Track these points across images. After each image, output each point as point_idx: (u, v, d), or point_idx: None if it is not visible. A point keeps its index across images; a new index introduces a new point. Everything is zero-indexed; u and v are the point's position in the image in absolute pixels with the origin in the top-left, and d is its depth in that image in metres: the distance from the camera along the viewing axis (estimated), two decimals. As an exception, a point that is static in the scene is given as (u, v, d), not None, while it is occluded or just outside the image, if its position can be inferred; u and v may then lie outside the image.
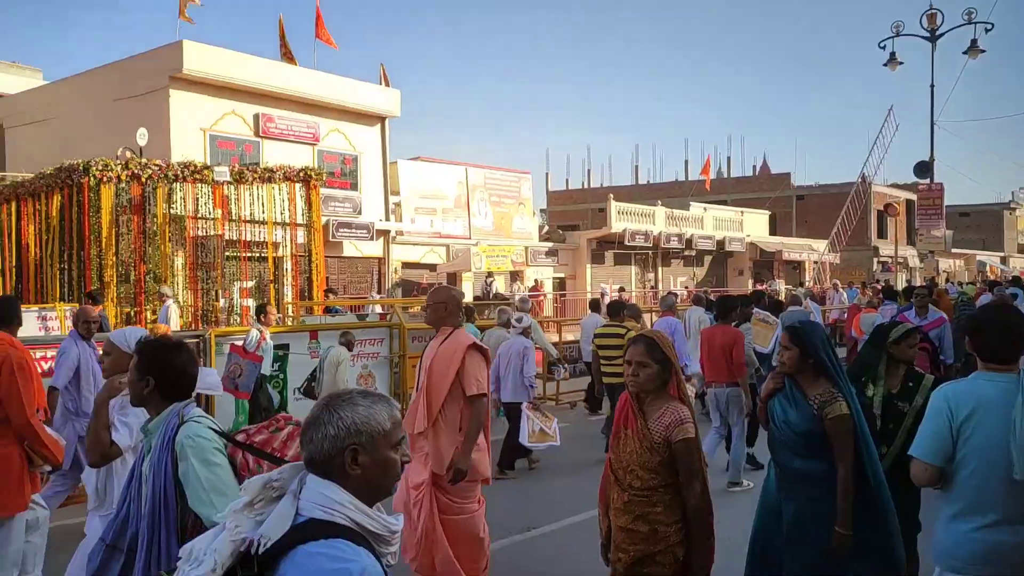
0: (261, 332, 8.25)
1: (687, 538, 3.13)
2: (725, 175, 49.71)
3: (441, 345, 4.38)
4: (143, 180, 14.65)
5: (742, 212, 38.32)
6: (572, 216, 42.55)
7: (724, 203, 40.63)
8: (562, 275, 30.63)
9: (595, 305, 11.94)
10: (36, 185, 15.99)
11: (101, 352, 3.81)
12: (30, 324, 12.57)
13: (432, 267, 26.18)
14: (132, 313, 14.02)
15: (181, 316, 14.35)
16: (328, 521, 1.58)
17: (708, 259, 36.70)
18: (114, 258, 14.29)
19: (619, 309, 8.97)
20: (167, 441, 2.64)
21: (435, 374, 4.32)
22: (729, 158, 57.77)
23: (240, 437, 2.72)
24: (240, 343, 8.25)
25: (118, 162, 14.69)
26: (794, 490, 3.51)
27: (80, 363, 5.90)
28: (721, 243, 35.22)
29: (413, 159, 27.38)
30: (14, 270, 17.15)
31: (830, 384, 3.45)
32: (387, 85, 24.85)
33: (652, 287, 32.56)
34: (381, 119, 24.31)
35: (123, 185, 14.45)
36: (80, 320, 6.12)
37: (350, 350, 8.80)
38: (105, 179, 14.21)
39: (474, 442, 4.25)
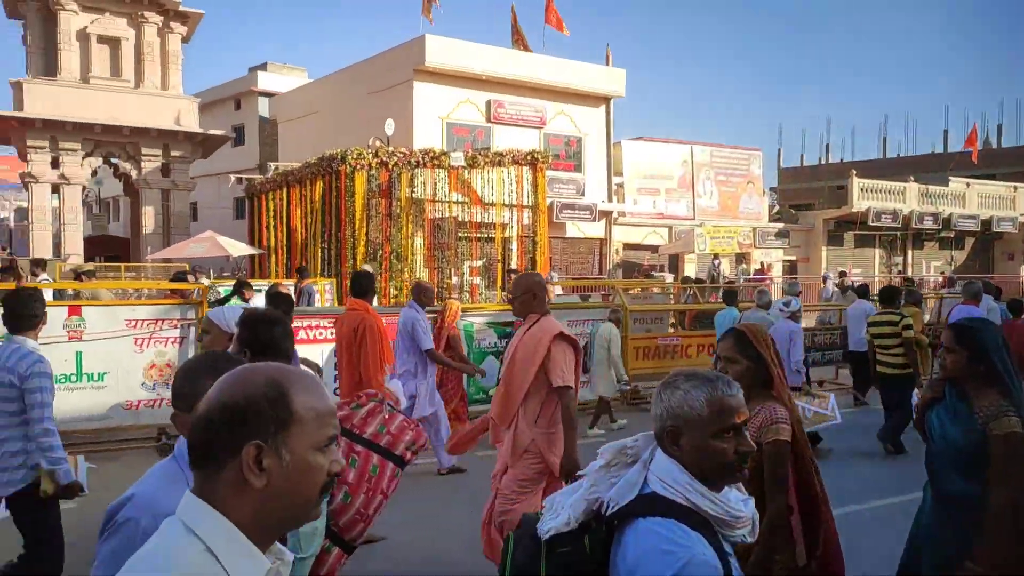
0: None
1: (813, 559, 2.78)
2: (994, 145, 43.55)
3: (526, 333, 4.08)
4: (390, 167, 16.00)
5: (1015, 188, 33.40)
6: (806, 194, 39.67)
7: (992, 178, 35.65)
8: (793, 258, 28.81)
9: (862, 291, 11.11)
10: (303, 173, 18.09)
11: (200, 330, 3.86)
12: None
13: (654, 248, 25.87)
14: (377, 288, 15.45)
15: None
16: (667, 499, 1.63)
17: (970, 241, 32.52)
18: (365, 238, 15.79)
19: (893, 296, 8.36)
20: None
21: (517, 363, 4.02)
22: (1000, 126, 50.43)
23: None
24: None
25: (369, 151, 16.16)
26: (951, 517, 2.97)
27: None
28: (987, 223, 31.02)
29: (636, 139, 27.14)
30: (285, 248, 19.60)
31: (1001, 395, 2.88)
32: (611, 65, 24.81)
33: (900, 272, 29.54)
34: (606, 100, 24.35)
35: (373, 172, 15.88)
36: (421, 292, 6.75)
37: (618, 327, 9.05)
38: (359, 167, 15.72)
39: (575, 434, 3.93)
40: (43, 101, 20.62)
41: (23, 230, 28.96)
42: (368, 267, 14.20)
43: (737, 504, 1.67)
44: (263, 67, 32.50)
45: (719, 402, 1.68)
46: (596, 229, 23.91)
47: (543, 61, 22.90)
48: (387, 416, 2.69)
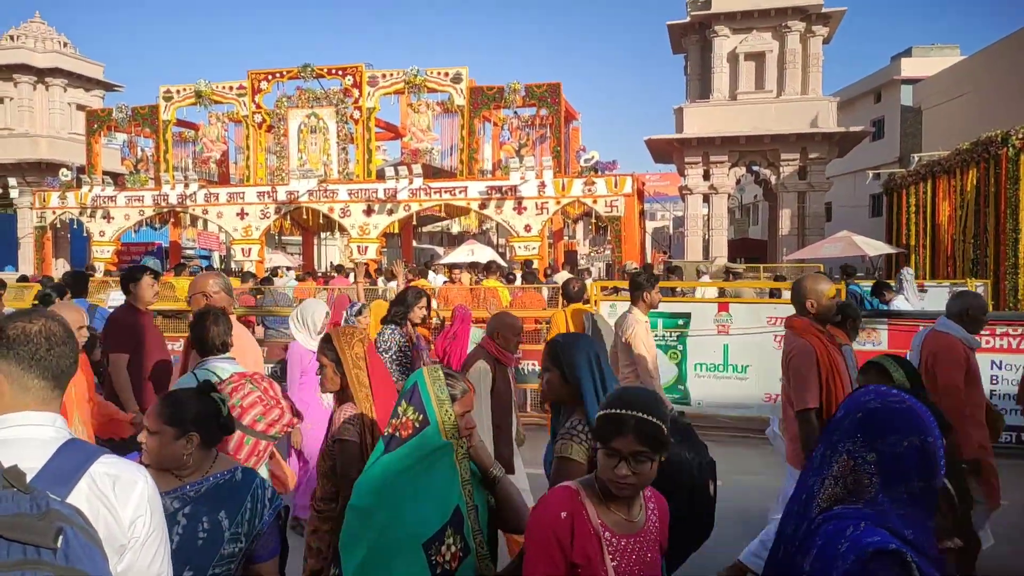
0: None
1: None
2: None
3: None
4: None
5: None
6: None
7: None
8: None
9: None
10: (952, 162, 16.22)
11: None
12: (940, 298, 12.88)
13: None
14: None
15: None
16: None
17: None
18: (1032, 232, 13.26)
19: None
20: None
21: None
22: None
23: None
24: None
25: (1043, 128, 13.50)
26: None
27: None
28: None
29: None
30: (929, 246, 17.92)
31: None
32: None
33: None
34: None
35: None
36: None
37: None
38: (1026, 148, 13.29)
39: None
40: (698, 121, 23.44)
41: (679, 236, 33.53)
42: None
43: None
44: (907, 53, 30.40)
45: None
46: None
47: None
48: (246, 392, 2.85)
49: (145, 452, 2.21)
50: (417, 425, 2.23)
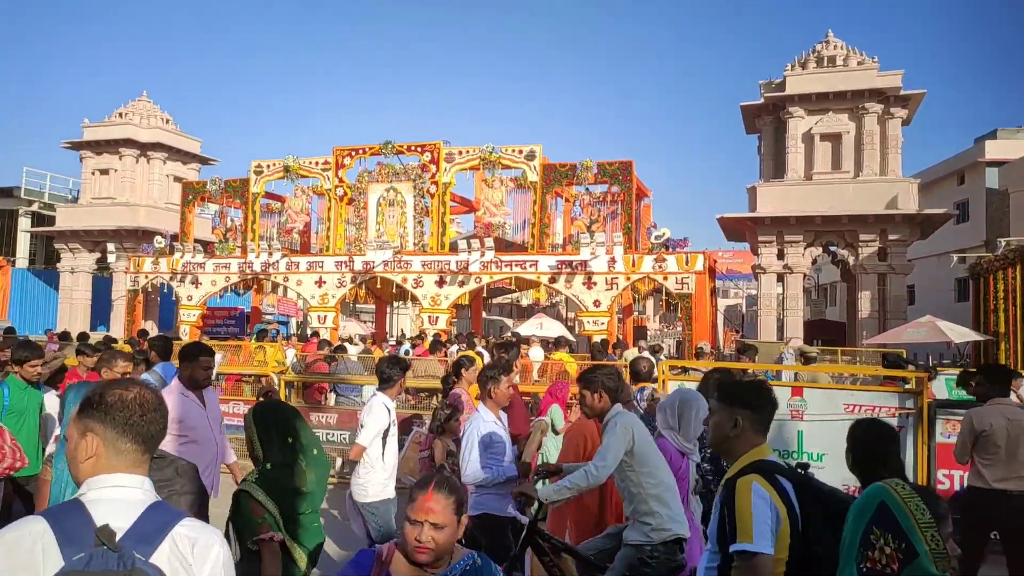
0: None
1: None
2: None
3: None
4: None
5: None
6: None
7: None
8: None
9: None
10: (1043, 247, 15.54)
11: None
12: None
13: None
14: None
15: None
16: None
17: None
18: None
19: None
20: None
21: None
22: None
23: None
24: None
25: None
26: None
27: None
28: None
29: None
30: (1019, 334, 17.03)
31: None
32: None
33: None
34: None
35: None
36: None
37: None
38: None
39: None
40: (772, 201, 23.25)
41: (752, 315, 32.85)
42: None
43: None
44: (991, 135, 29.67)
45: None
46: None
47: None
48: None
49: (428, 551, 2.13)
50: (901, 556, 1.96)
